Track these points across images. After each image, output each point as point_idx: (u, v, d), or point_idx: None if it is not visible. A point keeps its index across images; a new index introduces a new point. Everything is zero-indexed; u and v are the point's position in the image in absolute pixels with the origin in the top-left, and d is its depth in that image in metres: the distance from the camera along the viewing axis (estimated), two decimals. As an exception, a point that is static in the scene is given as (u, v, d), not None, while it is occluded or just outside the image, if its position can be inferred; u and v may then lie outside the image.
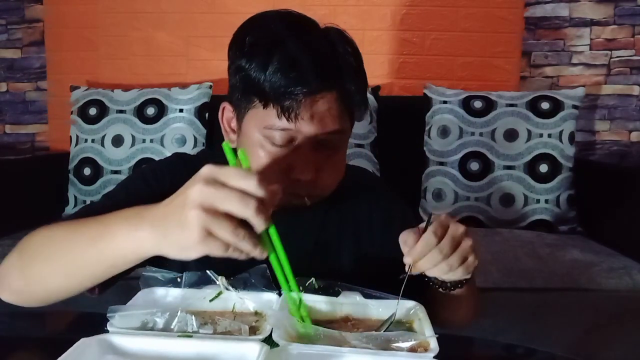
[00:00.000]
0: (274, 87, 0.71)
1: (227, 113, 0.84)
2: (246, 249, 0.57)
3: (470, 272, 0.70)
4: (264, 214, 0.56)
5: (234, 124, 0.83)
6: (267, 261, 0.64)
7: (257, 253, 0.58)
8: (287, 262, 0.64)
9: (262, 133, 0.75)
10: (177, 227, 0.56)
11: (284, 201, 0.78)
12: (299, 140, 0.74)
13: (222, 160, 0.88)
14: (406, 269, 0.67)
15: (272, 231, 0.61)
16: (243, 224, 0.56)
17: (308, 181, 0.75)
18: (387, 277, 0.70)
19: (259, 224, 0.56)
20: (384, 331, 0.66)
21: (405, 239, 0.67)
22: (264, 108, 0.73)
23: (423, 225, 0.69)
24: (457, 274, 0.68)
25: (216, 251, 0.56)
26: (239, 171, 0.56)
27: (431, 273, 0.68)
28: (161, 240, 0.58)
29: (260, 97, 0.73)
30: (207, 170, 0.56)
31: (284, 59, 0.71)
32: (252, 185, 0.55)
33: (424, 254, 0.65)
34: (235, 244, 0.56)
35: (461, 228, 0.68)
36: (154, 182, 0.84)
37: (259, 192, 0.55)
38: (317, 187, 0.78)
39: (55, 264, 0.67)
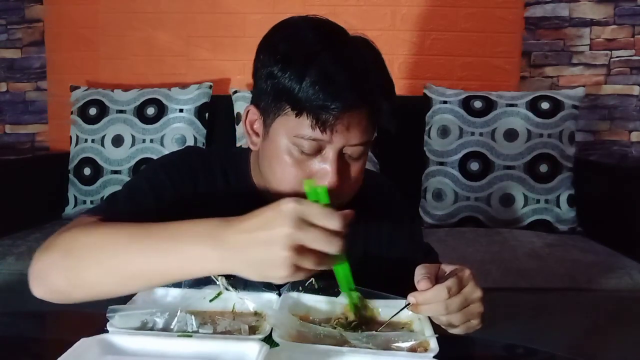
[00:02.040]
0: (310, 99, 0.72)
1: (251, 116, 0.84)
2: (324, 268, 0.62)
3: (469, 333, 0.70)
4: (344, 245, 0.60)
5: (256, 126, 0.83)
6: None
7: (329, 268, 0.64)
8: (350, 272, 0.68)
9: (291, 140, 0.76)
10: (264, 260, 0.59)
11: None
12: (326, 149, 0.76)
13: (237, 160, 0.89)
14: (405, 302, 0.67)
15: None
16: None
17: (331, 189, 0.76)
18: (393, 279, 0.71)
19: (338, 255, 0.61)
20: (385, 329, 0.66)
21: (419, 279, 0.67)
22: (296, 117, 0.74)
23: (447, 269, 0.69)
24: (455, 331, 0.69)
25: (299, 279, 0.61)
26: (324, 211, 0.60)
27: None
28: (243, 267, 0.61)
29: (294, 106, 0.74)
30: (292, 208, 0.59)
31: (321, 72, 0.72)
32: (337, 225, 0.59)
33: (429, 302, 0.66)
34: (317, 269, 0.61)
35: (477, 293, 0.68)
36: (176, 176, 0.84)
37: (343, 230, 0.60)
38: (339, 194, 0.79)
39: (111, 270, 0.67)
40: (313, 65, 0.72)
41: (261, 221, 0.59)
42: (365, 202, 0.90)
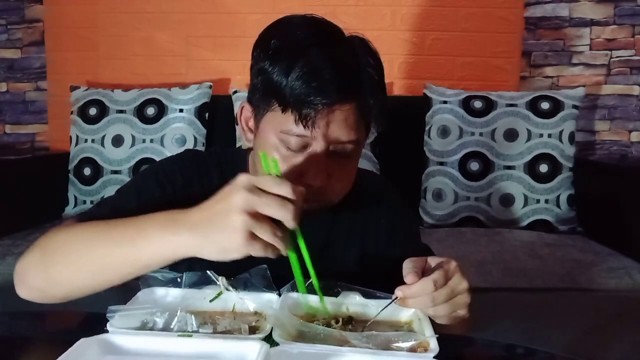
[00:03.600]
0: (294, 93, 0.72)
1: (245, 112, 0.84)
2: (281, 247, 0.63)
3: (454, 323, 0.71)
4: (298, 215, 0.63)
5: (251, 123, 0.83)
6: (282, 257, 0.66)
7: (286, 251, 0.64)
8: (309, 256, 0.69)
9: (278, 136, 0.76)
10: (221, 231, 0.61)
11: None
12: (313, 147, 0.75)
13: (235, 159, 0.89)
14: (393, 296, 0.68)
15: (297, 230, 0.67)
16: (276, 224, 0.62)
17: (318, 187, 0.76)
18: (391, 279, 0.71)
19: (292, 225, 0.63)
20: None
21: (406, 273, 0.67)
22: (282, 112, 0.74)
23: (432, 262, 0.69)
24: (442, 321, 0.69)
25: (257, 252, 0.61)
26: (274, 179, 0.63)
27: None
28: (202, 244, 0.63)
29: (280, 101, 0.74)
30: (245, 178, 0.62)
31: (307, 67, 0.72)
32: (288, 191, 0.62)
33: (416, 295, 0.66)
34: (274, 243, 0.62)
35: (463, 284, 0.68)
36: (166, 183, 0.85)
37: (294, 197, 0.62)
38: (326, 193, 0.79)
39: (83, 265, 0.70)
40: (300, 60, 0.72)
41: (218, 197, 0.63)
42: (364, 202, 0.90)
